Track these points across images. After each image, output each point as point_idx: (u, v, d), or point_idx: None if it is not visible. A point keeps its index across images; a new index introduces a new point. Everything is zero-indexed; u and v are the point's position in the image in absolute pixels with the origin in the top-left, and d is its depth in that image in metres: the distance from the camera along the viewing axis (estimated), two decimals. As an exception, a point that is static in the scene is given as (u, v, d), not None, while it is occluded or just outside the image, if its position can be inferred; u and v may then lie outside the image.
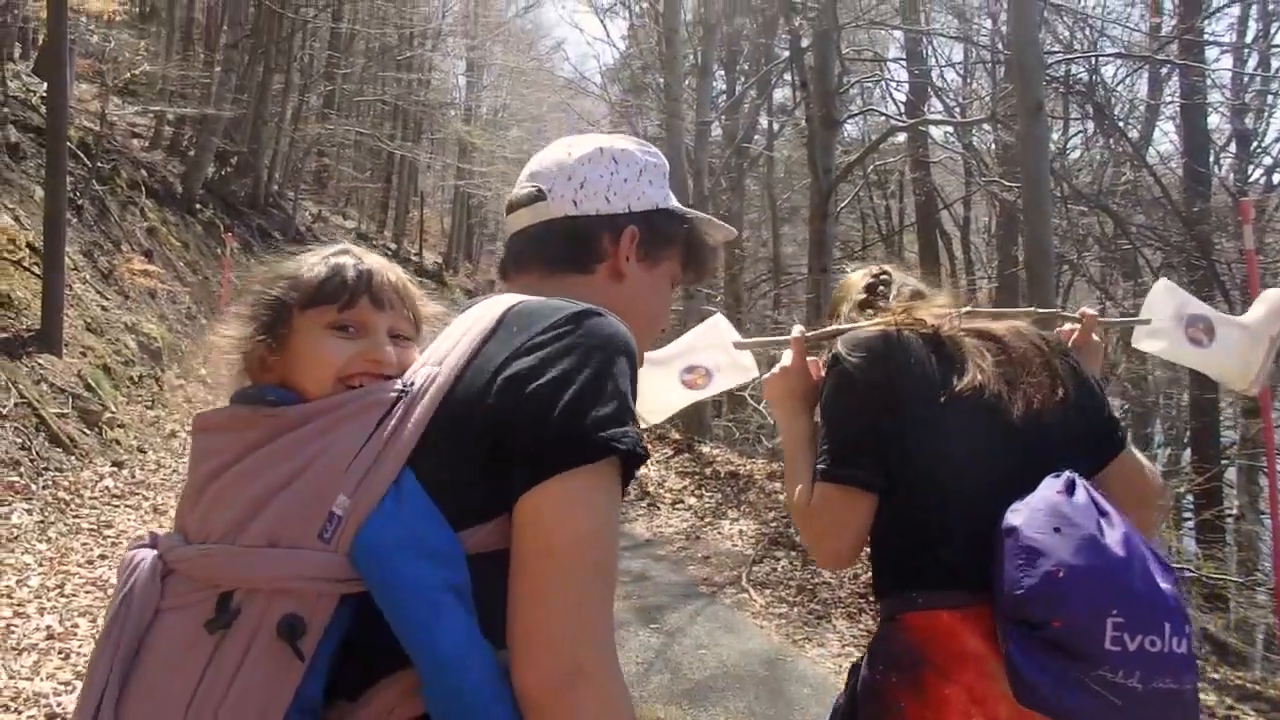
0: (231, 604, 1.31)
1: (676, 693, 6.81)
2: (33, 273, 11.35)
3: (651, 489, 14.41)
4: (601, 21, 63.40)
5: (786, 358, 2.52)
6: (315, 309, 1.53)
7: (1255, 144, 17.18)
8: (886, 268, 2.58)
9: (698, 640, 7.93)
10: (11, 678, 5.51)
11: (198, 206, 20.31)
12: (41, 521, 8.00)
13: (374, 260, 1.61)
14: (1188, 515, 14.98)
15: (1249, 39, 17.49)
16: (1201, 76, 15.42)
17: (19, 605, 6.51)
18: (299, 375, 1.52)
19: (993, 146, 17.73)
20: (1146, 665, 1.78)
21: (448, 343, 1.50)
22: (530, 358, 1.40)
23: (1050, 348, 2.27)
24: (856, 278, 2.60)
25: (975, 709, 1.96)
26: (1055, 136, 15.98)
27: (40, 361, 10.15)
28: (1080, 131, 17.66)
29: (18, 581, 6.87)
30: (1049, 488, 1.96)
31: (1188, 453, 16.48)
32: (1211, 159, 16.51)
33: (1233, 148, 17.22)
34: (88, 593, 6.97)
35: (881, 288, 2.50)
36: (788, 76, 20.78)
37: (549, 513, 1.33)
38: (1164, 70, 16.74)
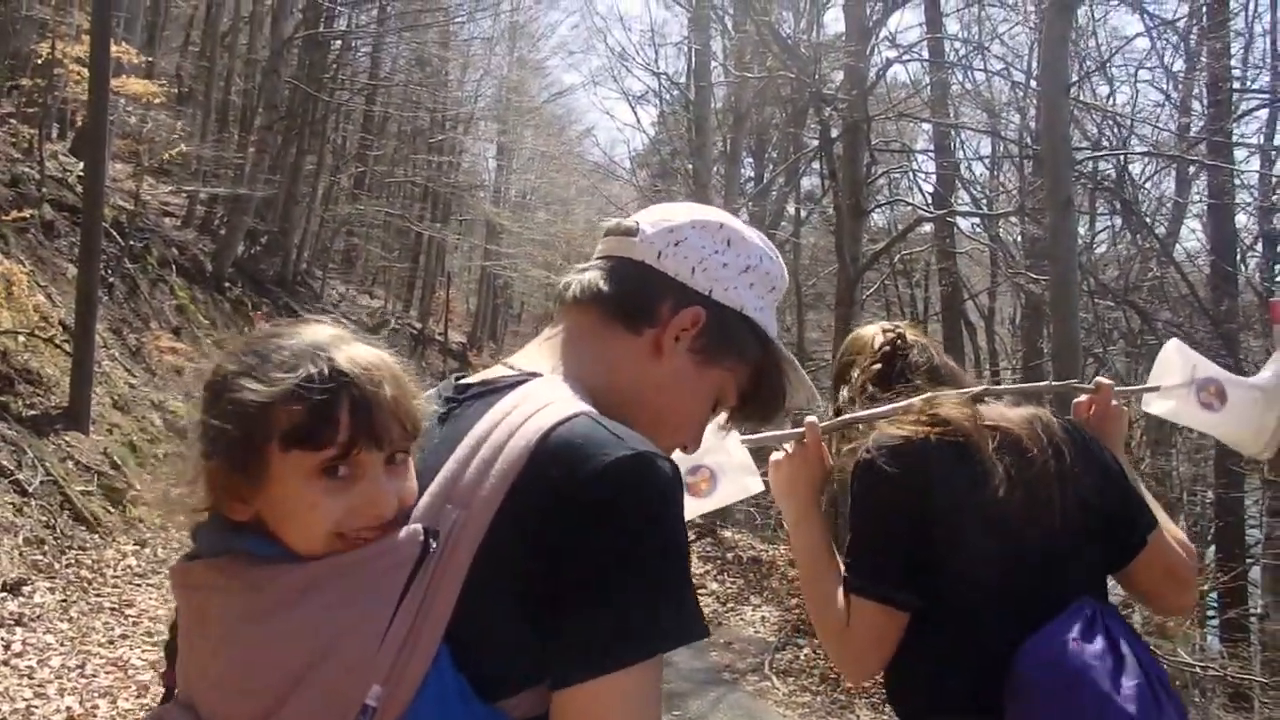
0: None
1: (697, 786, 6.75)
2: (63, 350, 11.45)
3: (673, 575, 14.36)
4: (633, 108, 64.30)
5: (794, 446, 2.43)
6: (298, 453, 1.25)
7: (1282, 244, 17.13)
8: (901, 327, 2.48)
9: (719, 729, 7.87)
10: (30, 762, 5.48)
11: (227, 285, 20.47)
12: (64, 600, 7.97)
13: (359, 360, 1.30)
14: (1212, 613, 14.81)
15: (1277, 141, 17.57)
16: (1229, 176, 15.49)
17: (39, 686, 6.48)
18: (283, 527, 1.29)
19: (1019, 239, 17.77)
20: None
21: (470, 474, 1.30)
22: (574, 525, 1.25)
23: (1066, 442, 2.17)
24: (869, 335, 2.49)
25: None
26: (1082, 231, 16.03)
27: (68, 439, 10.21)
28: (1108, 227, 17.73)
29: (39, 661, 6.85)
30: (1065, 629, 1.94)
31: (1212, 550, 16.32)
32: (1238, 258, 16.53)
33: (1259, 247, 17.21)
34: (108, 673, 6.95)
35: (899, 360, 2.39)
36: (816, 165, 20.92)
37: (591, 713, 1.23)
38: (1192, 169, 16.80)
